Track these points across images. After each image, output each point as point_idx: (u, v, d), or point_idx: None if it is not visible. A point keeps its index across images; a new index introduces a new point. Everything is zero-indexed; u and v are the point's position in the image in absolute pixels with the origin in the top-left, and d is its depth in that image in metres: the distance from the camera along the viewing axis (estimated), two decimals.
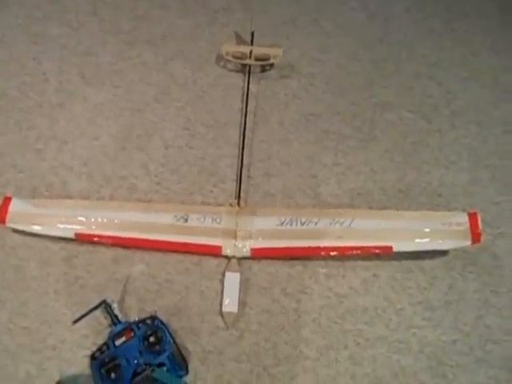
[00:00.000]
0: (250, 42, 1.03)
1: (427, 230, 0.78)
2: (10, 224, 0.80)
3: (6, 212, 0.80)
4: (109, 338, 0.70)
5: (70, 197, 0.86)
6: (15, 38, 1.04)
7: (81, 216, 0.81)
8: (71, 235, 0.79)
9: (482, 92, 1.01)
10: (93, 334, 0.75)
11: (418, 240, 0.78)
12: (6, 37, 1.04)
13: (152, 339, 0.69)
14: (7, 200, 0.81)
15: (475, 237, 0.76)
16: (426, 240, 0.77)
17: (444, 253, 0.81)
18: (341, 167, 0.91)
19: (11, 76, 0.99)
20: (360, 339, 0.76)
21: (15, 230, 0.82)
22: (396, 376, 0.74)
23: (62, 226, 0.80)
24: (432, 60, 1.04)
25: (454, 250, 0.81)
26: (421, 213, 0.81)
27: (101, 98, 0.98)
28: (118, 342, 0.69)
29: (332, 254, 0.78)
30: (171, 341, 0.70)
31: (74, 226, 0.80)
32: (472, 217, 0.77)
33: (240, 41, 1.06)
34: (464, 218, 0.77)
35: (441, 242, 0.77)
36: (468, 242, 0.76)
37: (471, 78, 1.03)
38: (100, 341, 0.72)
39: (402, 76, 1.02)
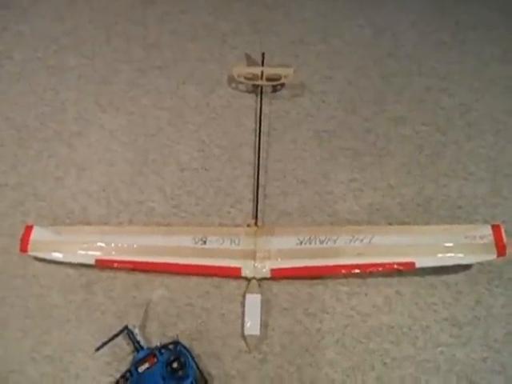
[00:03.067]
0: (260, 62, 1.05)
1: (450, 244, 0.76)
2: (31, 252, 0.81)
3: (27, 241, 0.81)
4: (132, 364, 0.70)
5: (90, 223, 0.87)
6: (34, 70, 1.08)
7: (100, 242, 0.81)
8: (92, 261, 0.80)
9: (495, 101, 1.00)
10: (116, 361, 0.74)
11: (441, 255, 0.76)
12: (25, 70, 1.08)
13: (175, 365, 0.67)
14: (29, 229, 0.82)
15: (500, 249, 0.74)
16: (450, 254, 0.76)
17: (468, 267, 0.80)
18: (357, 183, 0.90)
19: (31, 107, 1.02)
20: (387, 359, 0.74)
21: (37, 258, 0.83)
22: None
23: (82, 253, 0.81)
24: (442, 72, 1.05)
25: (478, 263, 0.79)
26: (442, 227, 0.80)
27: (116, 124, 1.00)
28: (141, 369, 0.68)
29: (353, 271, 0.77)
30: (194, 366, 0.69)
31: (94, 253, 0.81)
32: (496, 229, 0.75)
33: (250, 62, 1.08)
34: (487, 231, 0.76)
35: (465, 256, 0.76)
36: (493, 256, 0.74)
37: (483, 88, 1.02)
38: (123, 368, 0.71)
39: (414, 90, 1.02)
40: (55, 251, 0.81)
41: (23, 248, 0.80)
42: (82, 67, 1.08)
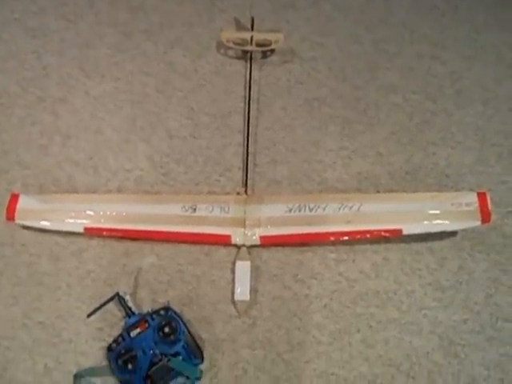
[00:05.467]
0: (249, 27, 1.02)
1: (437, 211, 0.77)
2: (18, 221, 0.80)
3: (14, 209, 0.80)
4: (124, 329, 0.71)
5: (77, 191, 0.86)
6: (13, 33, 1.03)
7: (89, 210, 0.81)
8: (80, 229, 0.80)
9: (485, 70, 1.00)
10: (107, 326, 0.75)
11: (427, 222, 0.77)
12: (4, 32, 1.03)
13: (166, 329, 0.69)
14: (15, 197, 0.81)
15: (485, 216, 0.76)
16: (436, 221, 0.77)
17: (453, 233, 0.81)
18: (346, 151, 0.90)
19: (11, 72, 0.98)
20: (372, 322, 0.77)
21: (25, 227, 0.82)
22: (409, 357, 0.75)
23: (71, 221, 0.80)
24: (435, 40, 1.03)
25: (463, 230, 0.81)
26: (430, 194, 0.81)
27: (101, 90, 0.97)
28: (133, 334, 0.70)
29: (341, 238, 0.79)
30: (185, 330, 0.71)
31: (83, 221, 0.80)
32: (481, 196, 0.77)
33: (239, 27, 1.05)
34: (473, 198, 0.77)
35: (450, 222, 0.77)
36: (478, 222, 0.76)
37: (475, 56, 1.01)
38: (115, 333, 0.72)
39: (405, 57, 1.01)
40: (43, 219, 0.80)
41: (10, 216, 0.79)
42: (64, 30, 1.03)
